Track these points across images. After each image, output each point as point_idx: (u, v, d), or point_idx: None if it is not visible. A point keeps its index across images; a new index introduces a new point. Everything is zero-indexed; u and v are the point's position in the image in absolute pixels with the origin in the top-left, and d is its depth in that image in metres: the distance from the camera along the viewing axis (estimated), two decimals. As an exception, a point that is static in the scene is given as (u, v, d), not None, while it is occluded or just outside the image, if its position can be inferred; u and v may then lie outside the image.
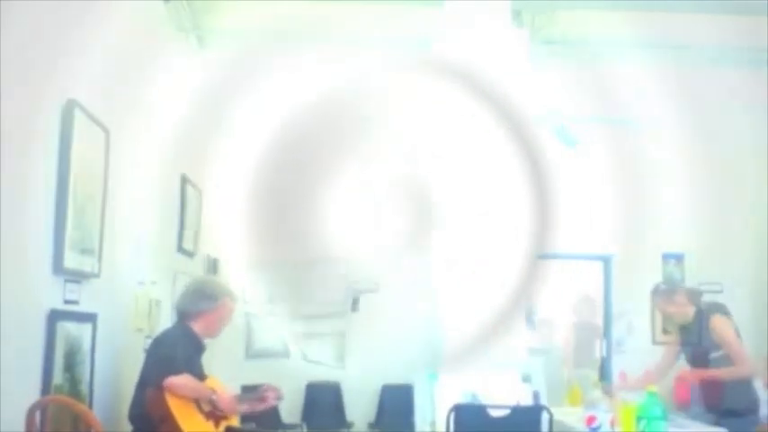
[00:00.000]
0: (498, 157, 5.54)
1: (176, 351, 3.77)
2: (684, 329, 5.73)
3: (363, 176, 7.92)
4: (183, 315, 4.04)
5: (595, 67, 7.27)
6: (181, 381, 3.65)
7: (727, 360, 5.30)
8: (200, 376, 3.96)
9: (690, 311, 5.64)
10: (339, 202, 7.87)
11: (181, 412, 3.64)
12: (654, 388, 3.34)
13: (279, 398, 4.24)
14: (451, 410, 4.30)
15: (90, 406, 3.64)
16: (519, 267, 5.50)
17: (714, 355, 5.36)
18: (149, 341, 4.56)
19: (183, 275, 5.85)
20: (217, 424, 3.85)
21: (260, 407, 4.15)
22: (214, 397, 3.80)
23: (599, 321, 8.05)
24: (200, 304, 4.00)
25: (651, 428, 3.25)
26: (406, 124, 7.67)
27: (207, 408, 3.82)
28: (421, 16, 6.23)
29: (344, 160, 7.91)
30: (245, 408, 4.15)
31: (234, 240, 7.71)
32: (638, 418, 3.46)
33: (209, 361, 4.40)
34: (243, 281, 7.70)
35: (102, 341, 3.83)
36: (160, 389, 3.62)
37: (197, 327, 4.01)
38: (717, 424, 5.08)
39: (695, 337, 5.49)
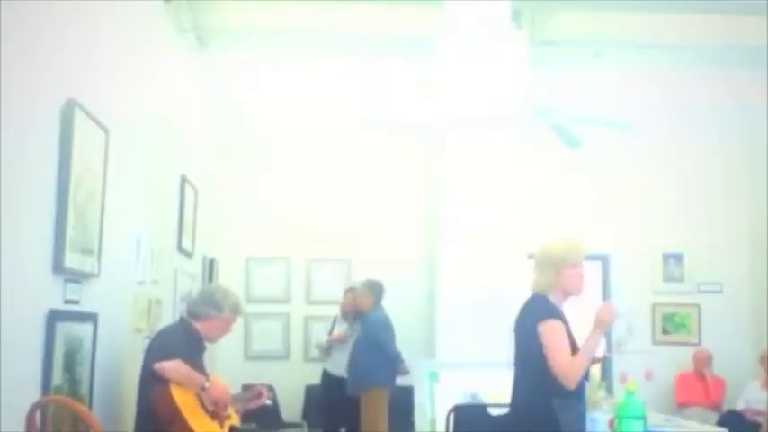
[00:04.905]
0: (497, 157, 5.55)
1: (174, 340, 3.81)
2: None
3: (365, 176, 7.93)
4: (190, 314, 4.10)
5: (595, 67, 7.27)
6: (171, 364, 3.66)
7: None
8: (202, 373, 3.97)
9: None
10: (340, 203, 7.88)
11: (189, 412, 3.64)
12: (632, 387, 3.32)
13: (270, 398, 4.26)
14: (451, 410, 4.30)
15: (90, 406, 3.63)
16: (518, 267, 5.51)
17: None
18: (149, 341, 4.57)
19: (183, 275, 5.86)
20: (221, 424, 3.85)
21: (251, 406, 4.18)
22: (207, 384, 3.79)
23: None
24: (207, 309, 4.07)
25: (625, 428, 3.22)
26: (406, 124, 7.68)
27: (210, 407, 3.83)
28: (421, 16, 6.24)
29: (346, 159, 7.93)
30: (239, 407, 4.17)
31: (232, 240, 7.72)
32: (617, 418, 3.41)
33: (208, 362, 4.40)
34: (241, 280, 7.72)
35: (102, 341, 3.83)
36: (167, 386, 3.62)
37: (200, 327, 4.06)
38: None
39: None
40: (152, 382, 3.71)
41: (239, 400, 4.21)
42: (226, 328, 4.18)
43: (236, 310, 4.18)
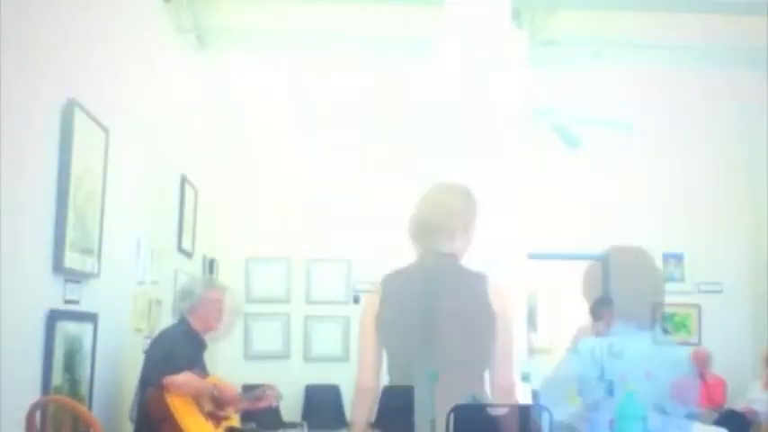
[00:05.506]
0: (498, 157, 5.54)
1: (176, 348, 3.79)
2: None
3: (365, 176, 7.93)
4: (180, 314, 4.11)
5: (595, 67, 7.27)
6: (181, 379, 3.67)
7: None
8: (203, 373, 3.97)
9: None
10: (340, 203, 7.87)
11: (181, 412, 3.64)
12: (632, 387, 3.31)
13: (279, 397, 4.25)
14: (451, 410, 4.29)
15: (90, 406, 3.64)
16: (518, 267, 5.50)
17: None
18: (149, 341, 4.56)
19: (183, 275, 5.85)
20: (217, 424, 3.85)
21: (260, 405, 4.17)
22: (216, 392, 3.81)
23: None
24: (190, 299, 4.09)
25: (624, 428, 3.21)
26: (404, 123, 7.68)
27: (208, 407, 3.82)
28: (421, 16, 6.23)
29: (345, 159, 7.92)
30: (245, 405, 4.16)
31: (232, 240, 7.72)
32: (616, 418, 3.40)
33: (208, 362, 4.40)
34: (241, 280, 7.73)
35: (103, 341, 3.83)
36: (160, 389, 3.62)
37: (194, 323, 4.06)
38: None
39: None
40: (149, 385, 3.71)
41: (244, 400, 4.20)
42: (215, 308, 4.16)
43: (210, 283, 4.24)
